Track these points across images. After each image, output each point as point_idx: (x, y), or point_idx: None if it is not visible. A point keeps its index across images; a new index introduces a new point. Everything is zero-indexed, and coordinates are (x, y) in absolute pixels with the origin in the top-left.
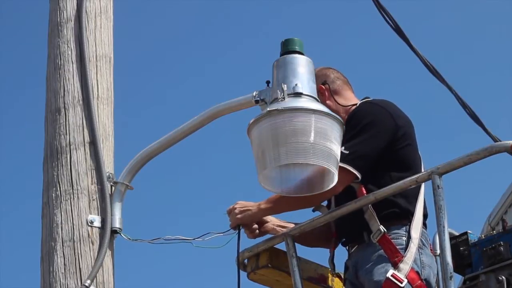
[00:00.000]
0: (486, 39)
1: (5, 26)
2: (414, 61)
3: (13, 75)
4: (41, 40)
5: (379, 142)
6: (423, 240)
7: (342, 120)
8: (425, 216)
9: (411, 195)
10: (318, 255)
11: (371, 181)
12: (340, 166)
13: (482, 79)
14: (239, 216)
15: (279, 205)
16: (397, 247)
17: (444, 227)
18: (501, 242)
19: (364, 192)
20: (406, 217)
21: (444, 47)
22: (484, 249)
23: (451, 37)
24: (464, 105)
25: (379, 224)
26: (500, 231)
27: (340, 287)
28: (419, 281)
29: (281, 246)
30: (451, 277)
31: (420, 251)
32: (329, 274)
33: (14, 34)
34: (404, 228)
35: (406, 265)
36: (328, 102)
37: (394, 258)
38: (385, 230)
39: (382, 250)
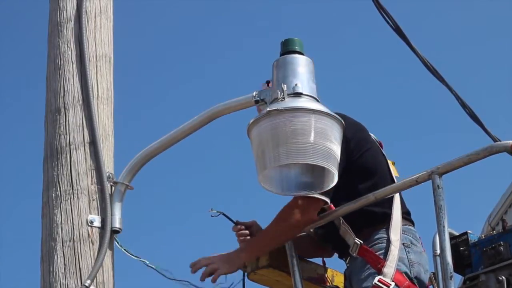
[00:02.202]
0: (486, 39)
1: (5, 26)
2: (414, 61)
3: (13, 75)
4: (41, 40)
5: None
6: (410, 238)
7: (342, 121)
8: (408, 213)
9: (385, 198)
10: None
11: (340, 197)
12: (307, 196)
13: (482, 79)
14: (215, 265)
15: (260, 248)
16: (378, 252)
17: (444, 227)
18: (501, 242)
19: (333, 208)
20: (387, 221)
21: (444, 47)
22: (484, 249)
23: (451, 37)
24: (464, 105)
25: (354, 237)
26: (500, 231)
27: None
28: (407, 282)
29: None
30: (451, 277)
31: (407, 249)
32: (328, 277)
33: (14, 34)
34: (384, 230)
35: (390, 269)
36: None
37: (377, 265)
38: (361, 241)
39: (365, 262)
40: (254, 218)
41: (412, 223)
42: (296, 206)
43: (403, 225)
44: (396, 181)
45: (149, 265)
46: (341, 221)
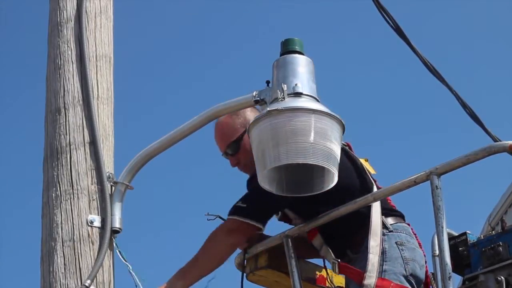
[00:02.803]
0: (486, 39)
1: (5, 26)
2: (414, 61)
3: (13, 75)
4: (41, 40)
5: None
6: (403, 234)
7: (342, 120)
8: (392, 209)
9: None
10: None
11: (307, 214)
12: (241, 221)
13: (482, 79)
14: None
15: (195, 274)
16: (363, 262)
17: (442, 227)
18: (500, 243)
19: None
20: (356, 234)
21: (444, 47)
22: (483, 249)
23: (451, 37)
24: (464, 105)
25: (332, 256)
26: (499, 231)
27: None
28: (392, 284)
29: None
30: (449, 278)
31: (401, 247)
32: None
33: (14, 34)
34: (363, 242)
35: (371, 279)
36: (247, 157)
37: (358, 278)
38: (338, 260)
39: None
40: None
41: (402, 218)
42: (227, 229)
43: (395, 223)
44: (371, 179)
45: (131, 271)
46: (323, 242)
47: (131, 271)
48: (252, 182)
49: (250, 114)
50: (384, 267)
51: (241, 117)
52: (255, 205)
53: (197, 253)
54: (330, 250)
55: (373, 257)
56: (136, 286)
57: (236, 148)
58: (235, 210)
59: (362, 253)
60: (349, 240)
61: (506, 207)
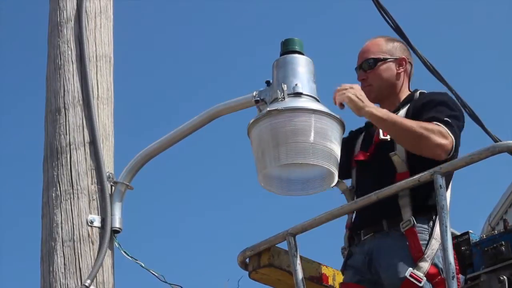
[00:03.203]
0: (486, 39)
1: (5, 26)
2: (414, 61)
3: (13, 75)
4: (41, 40)
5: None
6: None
7: (342, 120)
8: None
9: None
10: (320, 255)
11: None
12: (451, 135)
13: (482, 79)
14: (351, 96)
15: (386, 123)
16: (420, 242)
17: (446, 226)
18: (503, 242)
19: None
20: (434, 210)
21: (444, 46)
22: (486, 248)
23: (451, 37)
24: (464, 105)
25: (411, 214)
26: (502, 230)
27: None
28: (439, 276)
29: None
30: (453, 277)
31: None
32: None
33: (14, 34)
34: (430, 222)
35: (426, 263)
36: (397, 73)
37: (416, 254)
38: (415, 222)
39: (403, 244)
40: (254, 219)
41: None
42: (440, 132)
43: None
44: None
45: (145, 267)
46: (408, 192)
47: (144, 266)
48: (452, 107)
49: (401, 50)
50: (435, 257)
51: (393, 47)
52: (458, 131)
53: (409, 121)
54: (411, 206)
55: (435, 244)
56: (158, 278)
57: (370, 66)
58: (447, 123)
59: (420, 232)
60: (423, 211)
61: (506, 207)
